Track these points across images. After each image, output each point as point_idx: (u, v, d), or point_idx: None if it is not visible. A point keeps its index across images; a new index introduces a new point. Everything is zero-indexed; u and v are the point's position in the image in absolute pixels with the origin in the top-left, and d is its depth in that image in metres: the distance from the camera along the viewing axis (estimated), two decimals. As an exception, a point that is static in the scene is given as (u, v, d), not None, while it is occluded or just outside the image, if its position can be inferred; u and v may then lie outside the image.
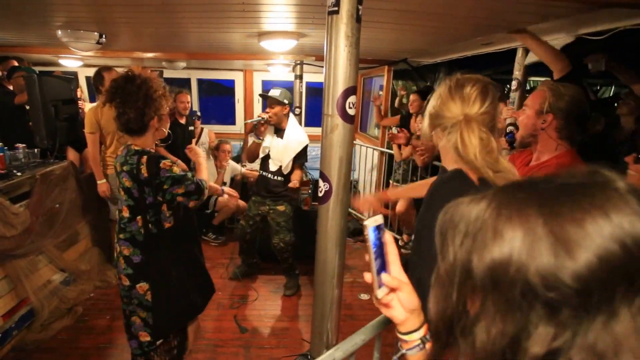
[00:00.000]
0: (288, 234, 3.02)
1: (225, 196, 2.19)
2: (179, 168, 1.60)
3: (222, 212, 4.12)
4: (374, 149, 4.38)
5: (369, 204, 1.71)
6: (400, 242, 4.03)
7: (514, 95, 2.69)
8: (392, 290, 0.66)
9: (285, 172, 2.95)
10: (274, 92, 2.83)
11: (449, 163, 1.09)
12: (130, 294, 1.67)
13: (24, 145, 3.04)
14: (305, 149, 2.97)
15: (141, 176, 1.53)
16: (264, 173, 3.02)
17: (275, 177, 2.97)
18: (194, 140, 4.14)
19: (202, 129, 4.70)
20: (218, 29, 2.69)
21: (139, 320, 1.69)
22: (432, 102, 1.11)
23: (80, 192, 3.08)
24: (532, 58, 2.54)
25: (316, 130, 5.35)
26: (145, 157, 1.54)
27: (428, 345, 0.67)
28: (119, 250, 1.67)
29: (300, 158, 2.97)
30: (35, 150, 3.09)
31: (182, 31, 2.84)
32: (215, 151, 4.28)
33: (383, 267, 0.66)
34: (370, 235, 0.64)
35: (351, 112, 1.48)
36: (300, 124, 4.16)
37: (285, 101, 2.82)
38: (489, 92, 1.06)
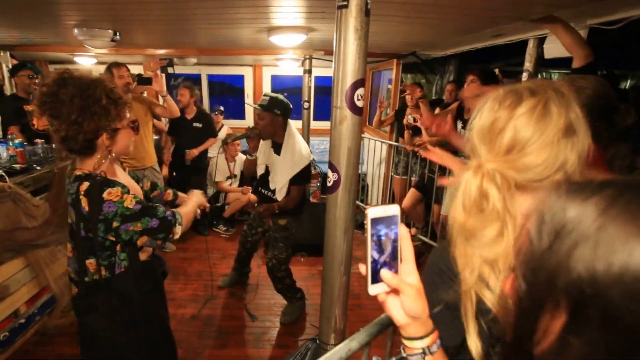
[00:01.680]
0: (284, 251, 2.62)
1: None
2: (132, 198, 1.23)
3: (232, 205, 4.20)
4: (382, 142, 4.40)
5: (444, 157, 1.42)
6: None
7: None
8: (393, 290, 0.60)
9: (279, 197, 2.54)
10: (263, 100, 2.44)
11: None
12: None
13: (42, 140, 3.14)
14: (307, 168, 2.51)
15: (82, 210, 1.18)
16: (264, 191, 2.67)
17: (274, 196, 2.59)
18: (205, 147, 4.11)
19: (222, 125, 4.77)
20: (228, 25, 2.73)
21: None
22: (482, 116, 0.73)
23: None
24: (551, 54, 2.51)
25: (325, 125, 5.41)
26: (85, 185, 1.18)
27: (428, 359, 0.61)
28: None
29: (298, 179, 2.49)
30: (54, 145, 3.20)
31: (193, 27, 2.89)
32: (225, 145, 4.35)
33: (386, 262, 0.59)
34: (369, 225, 0.57)
35: (359, 104, 1.51)
36: (310, 118, 4.20)
37: (276, 110, 2.40)
38: (547, 115, 0.65)
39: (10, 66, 3.56)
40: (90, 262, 1.26)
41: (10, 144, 2.95)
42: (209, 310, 2.85)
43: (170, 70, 3.21)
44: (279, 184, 2.52)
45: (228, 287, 3.16)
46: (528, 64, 2.72)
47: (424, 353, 0.60)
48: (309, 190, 4.52)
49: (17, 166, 2.72)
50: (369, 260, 0.58)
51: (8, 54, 3.54)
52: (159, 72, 3.31)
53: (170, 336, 1.61)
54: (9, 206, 2.25)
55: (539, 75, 5.13)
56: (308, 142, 4.27)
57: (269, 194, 2.63)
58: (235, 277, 3.21)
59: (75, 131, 1.16)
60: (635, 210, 0.33)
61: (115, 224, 1.20)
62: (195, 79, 5.41)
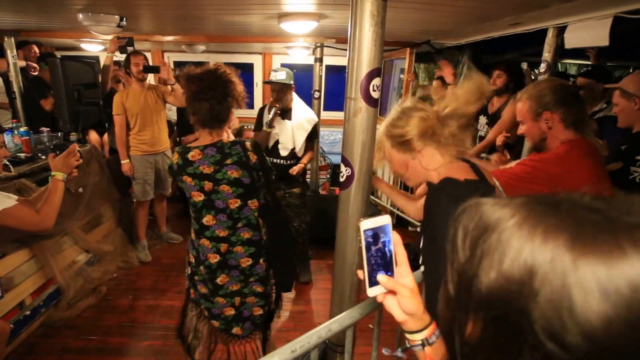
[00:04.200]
0: (307, 215, 2.99)
1: None
2: None
3: None
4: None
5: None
6: (420, 229, 3.96)
7: (542, 79, 2.55)
8: (390, 292, 0.67)
9: (300, 154, 2.85)
10: (280, 76, 2.66)
11: (435, 177, 1.08)
12: (251, 272, 1.76)
13: (48, 129, 3.11)
14: (316, 126, 2.88)
15: (250, 162, 1.63)
16: (275, 160, 2.85)
17: (288, 162, 2.83)
18: None
19: None
20: (237, 10, 2.63)
21: (253, 298, 1.80)
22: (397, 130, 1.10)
23: (103, 176, 3.14)
24: (571, 43, 2.36)
25: (335, 115, 5.31)
26: (249, 144, 1.66)
27: (427, 349, 0.68)
28: (228, 246, 1.71)
29: (313, 137, 2.87)
30: (59, 134, 3.16)
31: (202, 12, 2.80)
32: (237, 137, 4.28)
33: (382, 266, 0.67)
34: (363, 235, 0.65)
35: (375, 95, 1.42)
36: (320, 108, 4.10)
37: (291, 82, 2.70)
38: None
39: (15, 53, 3.52)
40: (250, 203, 1.70)
41: (16, 133, 2.92)
42: (216, 304, 2.81)
43: (130, 49, 3.10)
44: (298, 143, 2.79)
45: None
46: (547, 54, 2.56)
47: (423, 344, 0.68)
48: (319, 182, 4.44)
49: (23, 155, 2.69)
50: (365, 266, 0.66)
51: (12, 39, 3.49)
52: (118, 52, 3.26)
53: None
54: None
55: (558, 66, 4.95)
56: (318, 133, 4.18)
57: (282, 161, 2.82)
58: None
59: (231, 105, 1.64)
60: (533, 222, 0.35)
61: (261, 173, 1.69)
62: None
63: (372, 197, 4.70)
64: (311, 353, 1.21)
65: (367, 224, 0.65)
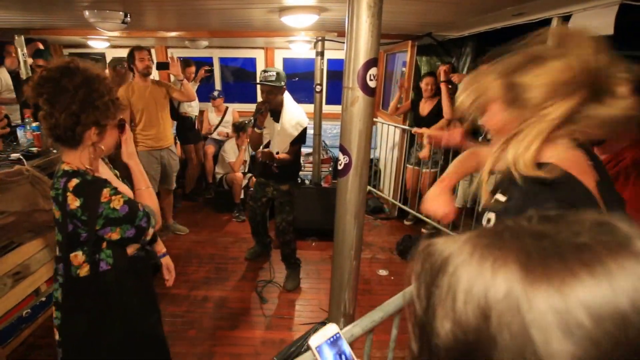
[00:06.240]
0: (290, 213, 2.91)
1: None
2: (120, 198, 1.19)
3: (235, 185, 4.18)
4: (395, 126, 4.33)
5: (440, 204, 1.15)
6: (423, 230, 3.92)
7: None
8: None
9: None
10: (270, 78, 2.55)
11: (554, 156, 0.77)
12: (59, 345, 1.29)
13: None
14: (304, 131, 2.71)
15: (67, 207, 1.14)
16: (266, 161, 2.81)
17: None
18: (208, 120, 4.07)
19: (226, 108, 4.77)
20: (239, 4, 2.68)
21: None
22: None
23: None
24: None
25: (338, 109, 5.34)
26: (73, 182, 1.14)
27: None
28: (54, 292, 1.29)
29: (298, 141, 2.72)
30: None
31: (204, 8, 2.84)
32: (238, 133, 4.34)
33: None
34: (317, 354, 0.62)
35: (372, 84, 1.47)
36: (322, 102, 4.14)
37: (282, 83, 2.59)
38: None
39: (25, 51, 3.61)
40: (76, 255, 1.21)
41: (28, 128, 3.00)
42: (221, 292, 2.90)
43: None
44: (281, 148, 2.71)
45: (252, 259, 3.35)
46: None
47: None
48: (321, 175, 4.50)
49: (34, 149, 2.78)
50: None
51: (22, 38, 3.57)
52: (175, 56, 3.32)
53: (157, 337, 1.50)
54: (27, 189, 2.29)
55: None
56: (320, 126, 4.23)
57: (271, 162, 2.77)
58: (259, 248, 3.39)
59: (72, 122, 1.12)
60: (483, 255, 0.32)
61: (97, 227, 1.17)
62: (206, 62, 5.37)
63: (374, 189, 4.74)
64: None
65: (318, 339, 0.63)
